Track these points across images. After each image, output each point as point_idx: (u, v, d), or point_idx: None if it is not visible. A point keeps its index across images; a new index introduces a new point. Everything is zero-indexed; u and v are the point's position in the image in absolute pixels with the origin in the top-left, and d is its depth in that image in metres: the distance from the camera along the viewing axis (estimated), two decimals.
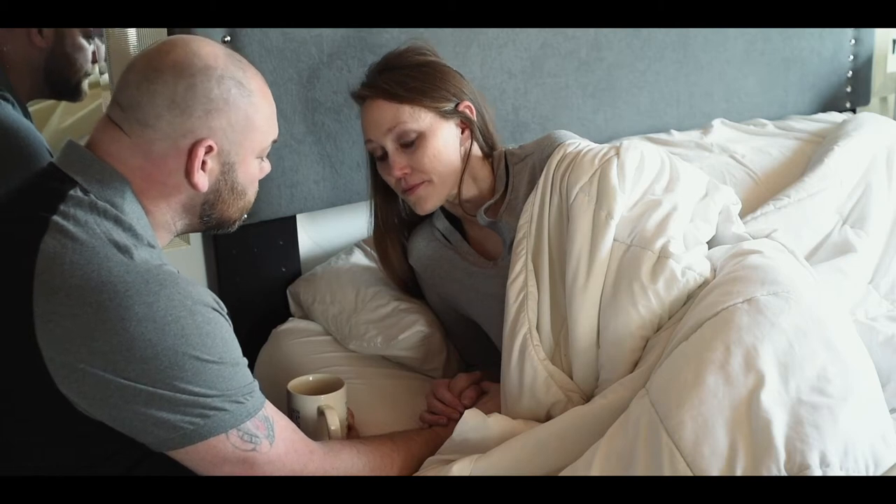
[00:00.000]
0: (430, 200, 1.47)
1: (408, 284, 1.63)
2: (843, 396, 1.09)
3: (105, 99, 1.81)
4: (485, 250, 1.54)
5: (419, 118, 1.43)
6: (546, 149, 1.46)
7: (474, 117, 1.48)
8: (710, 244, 1.39)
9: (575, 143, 1.45)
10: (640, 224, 1.32)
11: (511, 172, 1.50)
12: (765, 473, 1.02)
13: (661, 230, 1.30)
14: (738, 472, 1.03)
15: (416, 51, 1.49)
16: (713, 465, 1.04)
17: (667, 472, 1.06)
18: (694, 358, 1.14)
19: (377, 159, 1.49)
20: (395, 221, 1.59)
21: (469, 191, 1.49)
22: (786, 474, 1.02)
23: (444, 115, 1.45)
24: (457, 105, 1.46)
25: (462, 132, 1.48)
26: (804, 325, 1.15)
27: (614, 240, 1.31)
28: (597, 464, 1.12)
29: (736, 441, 1.06)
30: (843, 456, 1.05)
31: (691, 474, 1.04)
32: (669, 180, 1.41)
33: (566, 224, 1.35)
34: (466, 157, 1.48)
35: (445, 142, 1.45)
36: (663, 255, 1.27)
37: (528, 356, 1.31)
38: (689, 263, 1.28)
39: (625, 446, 1.11)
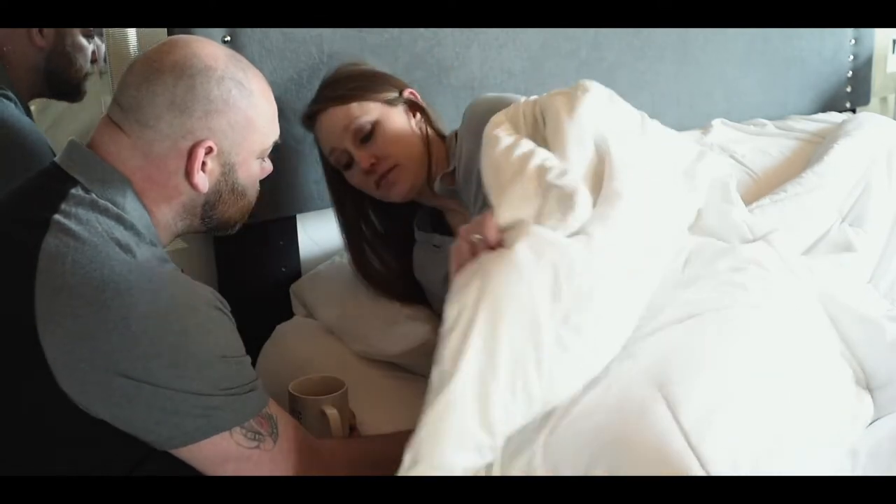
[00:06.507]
0: (402, 183, 1.52)
1: (402, 292, 1.63)
2: None
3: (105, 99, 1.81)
4: None
5: (368, 110, 1.50)
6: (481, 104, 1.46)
7: (420, 101, 1.55)
8: (707, 224, 1.37)
9: None
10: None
11: (458, 139, 1.51)
12: None
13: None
14: None
15: (349, 64, 1.59)
16: None
17: None
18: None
19: (343, 168, 1.54)
20: (369, 234, 1.63)
21: (437, 171, 1.53)
22: None
23: (391, 102, 1.53)
24: (400, 92, 1.54)
25: (414, 116, 1.55)
26: None
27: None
28: None
29: None
30: None
31: None
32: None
33: (541, 123, 1.30)
34: (426, 138, 1.54)
35: (400, 125, 1.52)
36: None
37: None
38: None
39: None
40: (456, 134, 1.55)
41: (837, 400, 1.23)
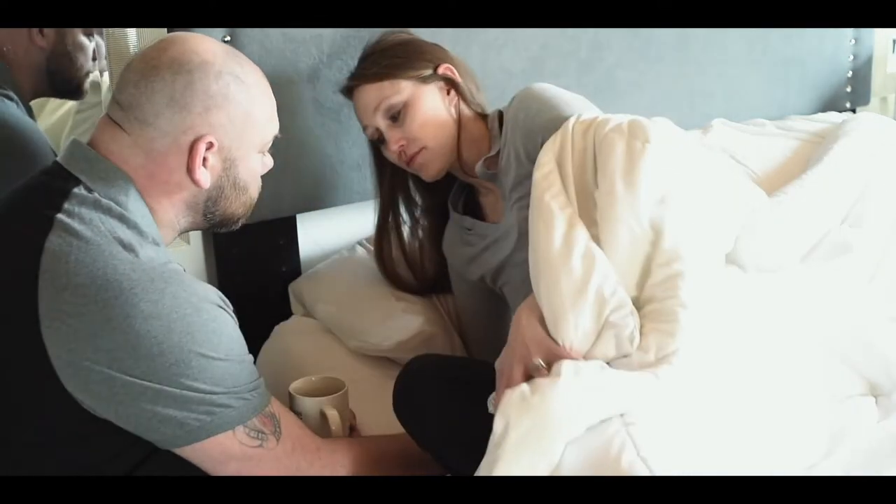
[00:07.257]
0: (431, 165, 1.50)
1: (406, 282, 1.64)
2: None
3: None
4: (500, 218, 1.53)
5: (400, 89, 1.47)
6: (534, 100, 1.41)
7: (456, 78, 1.51)
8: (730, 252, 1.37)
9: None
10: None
11: (505, 122, 1.48)
12: None
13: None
14: None
15: (390, 33, 1.56)
16: None
17: None
18: None
19: (379, 143, 1.53)
20: (402, 201, 1.61)
21: (469, 151, 1.50)
22: None
23: (424, 80, 1.49)
24: (435, 69, 1.50)
25: (448, 94, 1.51)
26: None
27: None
28: None
29: None
30: None
31: None
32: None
33: (591, 162, 1.26)
34: (458, 117, 1.50)
35: (432, 106, 1.49)
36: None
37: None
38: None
39: None
40: (500, 113, 1.51)
41: (824, 420, 1.26)
